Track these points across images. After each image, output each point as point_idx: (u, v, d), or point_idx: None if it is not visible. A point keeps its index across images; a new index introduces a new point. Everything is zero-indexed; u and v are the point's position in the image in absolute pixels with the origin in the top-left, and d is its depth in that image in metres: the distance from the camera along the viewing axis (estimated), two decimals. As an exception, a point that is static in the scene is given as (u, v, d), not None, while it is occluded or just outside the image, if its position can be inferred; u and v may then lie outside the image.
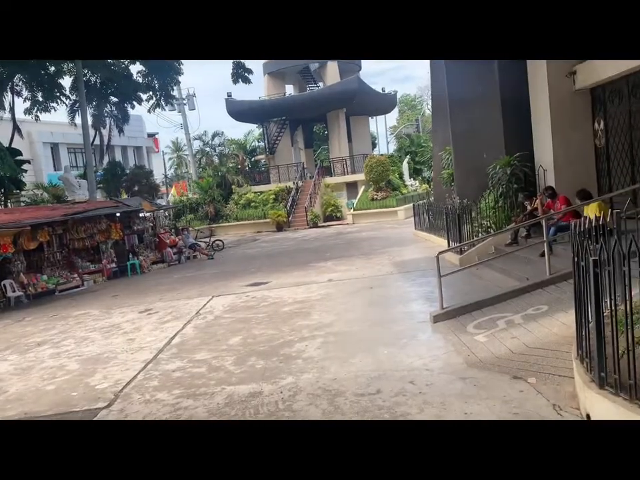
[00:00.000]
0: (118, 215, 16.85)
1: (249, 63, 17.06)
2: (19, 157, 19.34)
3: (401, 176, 30.96)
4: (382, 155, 33.90)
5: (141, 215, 18.15)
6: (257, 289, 11.34)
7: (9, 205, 19.47)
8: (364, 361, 5.98)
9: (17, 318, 11.33)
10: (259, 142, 39.96)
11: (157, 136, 47.82)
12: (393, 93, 36.99)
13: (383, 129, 66.62)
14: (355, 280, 11.10)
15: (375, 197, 27.55)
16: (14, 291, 13.17)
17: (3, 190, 18.73)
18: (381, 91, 34.99)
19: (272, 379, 5.73)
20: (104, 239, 16.20)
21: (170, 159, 51.81)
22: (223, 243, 20.80)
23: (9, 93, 20.50)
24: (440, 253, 7.95)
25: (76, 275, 15.12)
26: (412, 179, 32.93)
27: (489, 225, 11.82)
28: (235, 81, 16.64)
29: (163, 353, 7.28)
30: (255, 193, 30.01)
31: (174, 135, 50.61)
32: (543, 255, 8.95)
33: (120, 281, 15.66)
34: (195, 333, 8.26)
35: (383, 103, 35.74)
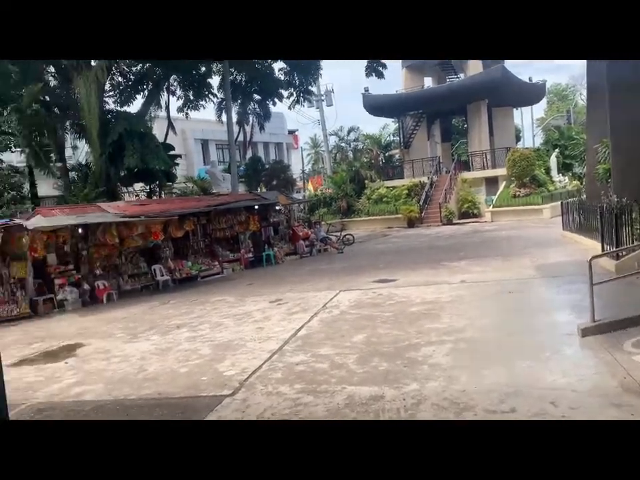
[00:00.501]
0: (256, 207, 17.60)
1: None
2: (172, 152, 21.07)
3: (547, 171, 28.57)
4: (527, 148, 31.52)
5: (277, 207, 18.80)
6: (384, 286, 11.07)
7: (162, 195, 21.32)
8: (498, 373, 5.42)
9: (163, 300, 12.29)
10: (393, 136, 39.52)
11: (296, 133, 49.43)
12: (541, 82, 34.25)
13: (527, 122, 62.06)
14: (491, 282, 10.33)
15: (518, 193, 25.69)
16: (162, 275, 14.33)
17: (157, 182, 20.56)
18: (527, 81, 32.53)
19: (395, 383, 5.43)
20: (243, 230, 17.04)
21: (308, 154, 53.45)
22: (353, 237, 20.82)
23: (165, 93, 22.41)
24: (593, 257, 6.99)
25: (216, 263, 16.07)
26: (560, 174, 30.21)
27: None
28: (368, 74, 16.47)
29: (288, 345, 7.33)
30: (388, 187, 29.65)
31: (312, 132, 51.93)
32: None
33: (255, 270, 16.35)
34: (321, 326, 8.22)
35: (529, 94, 33.25)
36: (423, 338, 7.00)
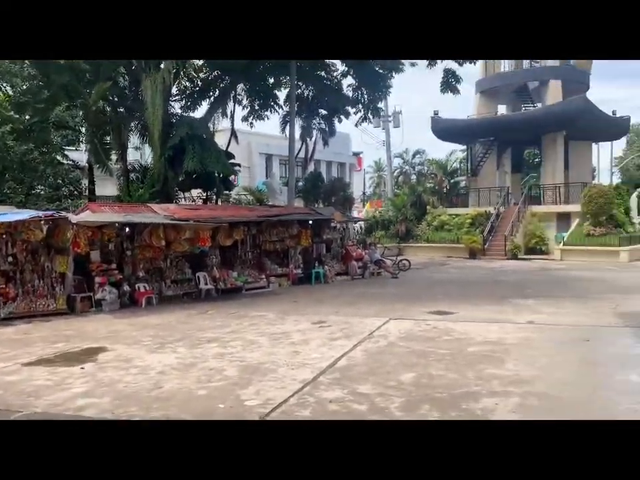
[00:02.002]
0: (310, 222, 16.86)
1: (459, 71, 15.91)
2: (232, 160, 20.75)
3: (627, 212, 26.34)
4: (605, 185, 29.32)
5: (332, 224, 17.99)
6: (440, 319, 9.93)
7: (219, 203, 20.99)
8: (582, 446, 4.25)
9: (201, 310, 11.64)
10: (460, 163, 38.10)
11: (361, 155, 48.79)
12: (625, 117, 32.01)
13: (604, 160, 58.83)
14: (564, 327, 9.01)
15: (592, 232, 23.71)
16: (206, 284, 13.76)
17: (214, 189, 20.25)
18: (610, 114, 30.45)
19: (447, 442, 4.37)
20: (293, 245, 16.30)
21: (370, 177, 52.67)
22: (409, 262, 19.66)
23: (231, 101, 22.25)
24: None
25: (263, 276, 15.38)
26: (640, 216, 27.87)
27: None
28: (444, 91, 15.46)
29: (324, 375, 6.38)
30: (450, 215, 28.27)
31: (377, 155, 51.06)
32: None
33: (303, 287, 15.52)
34: (364, 358, 7.22)
35: (611, 128, 31.08)
36: (484, 386, 5.87)
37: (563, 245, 23.91)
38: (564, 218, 26.51)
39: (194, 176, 18.96)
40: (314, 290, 15.03)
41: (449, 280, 16.68)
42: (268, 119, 22.93)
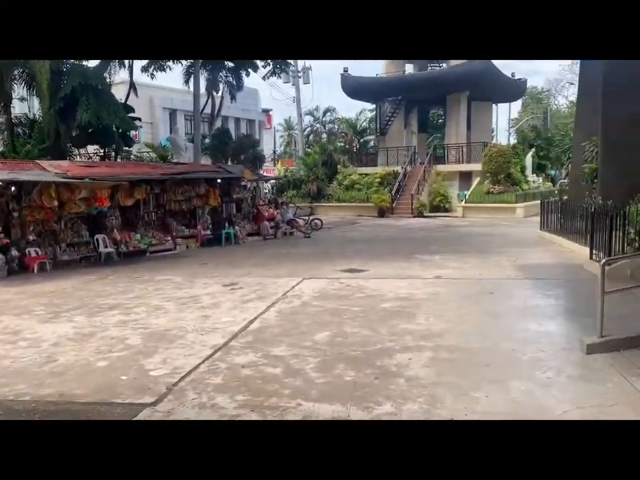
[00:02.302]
0: (219, 180, 16.18)
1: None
2: (132, 114, 19.33)
3: (522, 170, 27.95)
4: (504, 145, 30.84)
5: (242, 183, 17.42)
6: (352, 276, 9.95)
7: (118, 160, 19.57)
8: (492, 397, 4.34)
9: (102, 275, 10.85)
10: (370, 123, 38.38)
11: (271, 112, 47.61)
12: (522, 79, 33.61)
13: (502, 121, 61.97)
14: (469, 280, 9.34)
15: (492, 190, 24.97)
16: (106, 247, 12.85)
17: (113, 145, 18.82)
18: (510, 76, 31.82)
19: (364, 401, 4.29)
20: (201, 204, 15.62)
21: (281, 136, 51.68)
22: (321, 222, 19.65)
23: (129, 50, 20.52)
24: (608, 260, 5.95)
25: (169, 238, 14.65)
26: (535, 174, 29.75)
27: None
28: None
29: (236, 340, 6.11)
30: (361, 174, 28.54)
31: (287, 114, 49.81)
32: None
33: (212, 249, 14.99)
34: (278, 319, 7.03)
35: (510, 90, 32.54)
36: (397, 341, 5.89)
37: (465, 202, 24.96)
38: (466, 177, 27.66)
39: (89, 131, 17.52)
40: (224, 251, 14.56)
41: (359, 238, 16.85)
42: (170, 69, 21.47)
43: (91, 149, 20.15)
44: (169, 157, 21.37)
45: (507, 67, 79.21)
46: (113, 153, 19.62)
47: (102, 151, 19.60)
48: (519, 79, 32.88)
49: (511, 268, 10.50)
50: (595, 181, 13.68)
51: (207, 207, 15.74)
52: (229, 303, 8.00)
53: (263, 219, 17.23)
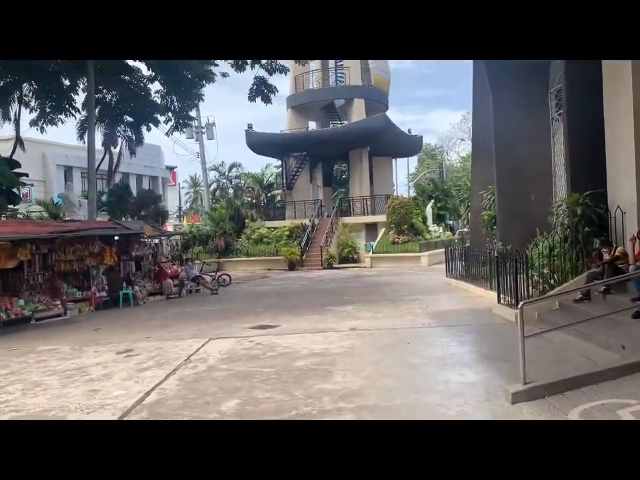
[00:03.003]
0: (116, 238, 15.04)
1: (271, 80, 15.74)
2: (18, 170, 17.77)
3: (424, 220, 29.09)
4: (405, 197, 32.10)
5: (142, 240, 16.34)
6: (263, 333, 9.32)
7: (1, 219, 17.74)
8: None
9: (-28, 349, 9.37)
10: (276, 178, 38.58)
11: (175, 169, 46.57)
12: (419, 136, 35.64)
13: (401, 176, 65.45)
14: (384, 331, 9.05)
15: (397, 240, 25.60)
16: (-20, 316, 11.24)
17: (-6, 203, 17.08)
18: (407, 132, 33.60)
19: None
20: (96, 264, 14.31)
21: (187, 193, 50.50)
22: (230, 277, 18.87)
23: (16, 103, 19.13)
24: (525, 303, 5.80)
25: (58, 302, 13.17)
26: (435, 224, 31.07)
27: (550, 275, 9.78)
28: (252, 98, 15.03)
29: (128, 417, 5.24)
30: (269, 228, 28.23)
31: (193, 170, 48.83)
32: (637, 316, 6.95)
33: (108, 312, 13.68)
34: (179, 388, 6.22)
35: (408, 145, 34.33)
36: (314, 405, 5.33)
37: (372, 252, 25.36)
38: (372, 228, 28.26)
39: (-34, 188, 15.80)
40: (122, 314, 13.33)
41: (270, 292, 16.27)
42: (62, 122, 20.18)
43: (-32, 208, 18.15)
44: (61, 215, 19.76)
45: (404, 124, 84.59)
46: (-5, 212, 17.78)
47: (-19, 210, 17.70)
48: (415, 135, 34.80)
49: (424, 316, 10.39)
50: (494, 227, 14.30)
51: (102, 266, 14.46)
52: (123, 373, 7.04)
53: (166, 276, 16.16)
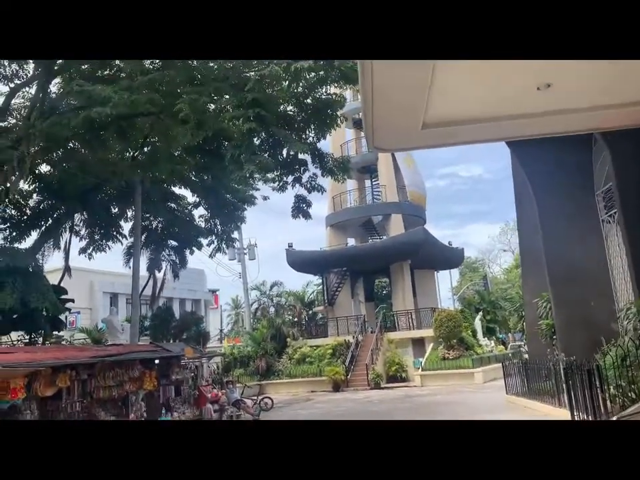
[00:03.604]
0: (157, 361, 14.64)
1: (310, 198, 16.22)
2: (65, 296, 18.13)
3: (474, 334, 27.78)
4: (452, 310, 31.08)
5: (182, 362, 15.88)
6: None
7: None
8: None
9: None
10: (317, 295, 38.39)
11: (217, 292, 47.25)
12: (460, 248, 35.36)
13: (443, 290, 64.47)
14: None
15: (447, 355, 24.27)
16: (13, 449, 10.66)
17: (40, 330, 17.21)
18: (447, 244, 33.43)
19: None
20: (135, 389, 13.79)
21: (228, 315, 50.73)
22: (272, 401, 17.92)
23: (67, 232, 20.07)
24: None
25: (95, 432, 12.53)
26: (486, 338, 29.63)
27: (629, 388, 8.68)
28: (295, 216, 15.39)
29: None
30: (311, 347, 27.40)
31: (234, 292, 49.35)
32: None
33: (146, 442, 12.87)
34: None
35: (449, 257, 33.96)
36: None
37: (422, 370, 24.00)
38: (419, 343, 27.08)
39: (14, 316, 16.04)
40: (160, 443, 12.50)
41: (316, 416, 15.18)
42: (110, 249, 20.90)
43: (15, 335, 18.37)
44: (103, 340, 19.73)
45: (441, 238, 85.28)
46: (40, 339, 17.87)
47: (27, 337, 17.85)
48: (456, 247, 34.55)
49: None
50: (554, 337, 13.28)
51: (141, 391, 13.92)
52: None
53: (206, 401, 15.40)
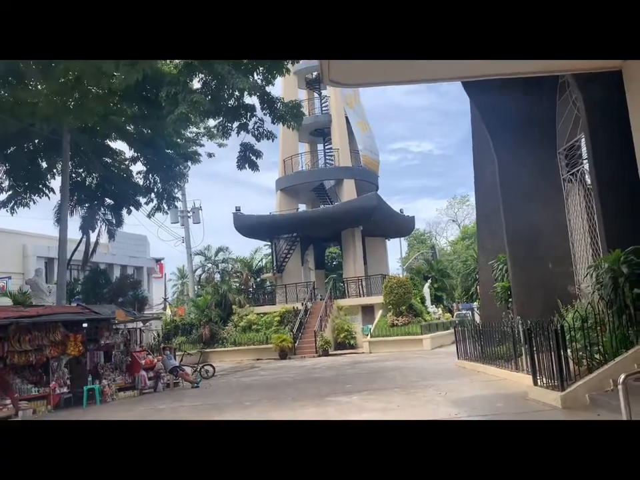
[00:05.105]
0: (84, 325, 13.22)
1: (259, 146, 14.82)
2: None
3: (422, 301, 27.46)
4: (402, 276, 30.69)
5: (114, 327, 14.53)
6: (250, 434, 7.40)
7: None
8: None
9: None
10: (265, 263, 37.23)
11: (162, 261, 45.09)
12: (410, 216, 34.86)
13: (391, 260, 64.57)
14: (401, 425, 7.19)
15: (396, 322, 23.84)
16: None
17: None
18: (399, 212, 32.86)
19: None
20: (56, 354, 12.38)
21: (174, 285, 48.68)
22: (213, 368, 16.84)
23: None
24: (628, 376, 4.13)
25: (9, 401, 11.13)
26: (434, 305, 29.47)
27: (597, 350, 8.12)
28: (241, 167, 14.01)
29: None
30: (258, 314, 26.34)
31: (181, 262, 46.99)
32: None
33: (70, 412, 11.60)
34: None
35: (401, 224, 33.43)
36: None
37: (371, 336, 23.50)
38: (368, 310, 26.55)
39: None
40: (83, 414, 11.24)
41: (259, 384, 14.26)
42: (35, 203, 18.89)
43: None
44: (27, 302, 17.93)
45: (395, 203, 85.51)
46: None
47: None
48: (407, 215, 34.04)
49: (445, 404, 8.56)
50: (509, 300, 12.77)
51: (64, 357, 12.52)
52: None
53: (139, 368, 14.15)
